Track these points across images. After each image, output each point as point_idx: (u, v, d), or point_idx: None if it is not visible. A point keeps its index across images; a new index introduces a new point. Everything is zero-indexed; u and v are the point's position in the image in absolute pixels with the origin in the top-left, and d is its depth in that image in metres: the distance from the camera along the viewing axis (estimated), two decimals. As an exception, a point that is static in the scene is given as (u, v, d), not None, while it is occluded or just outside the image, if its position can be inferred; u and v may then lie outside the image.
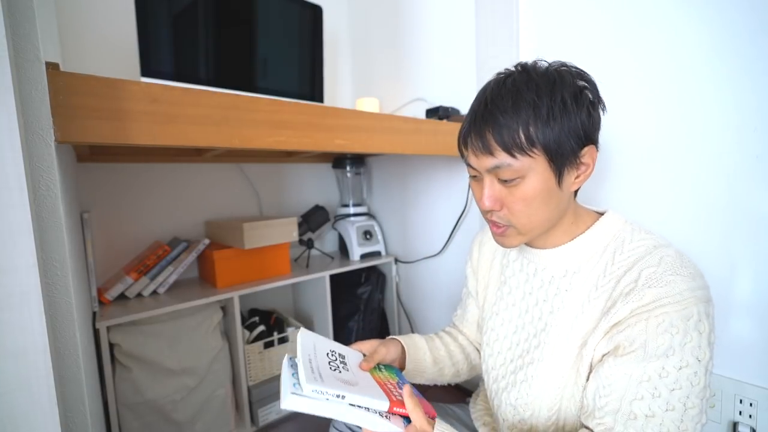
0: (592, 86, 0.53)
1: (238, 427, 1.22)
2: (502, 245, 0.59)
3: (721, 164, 0.78)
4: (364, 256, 1.56)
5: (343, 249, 1.61)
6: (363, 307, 1.51)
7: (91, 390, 0.66)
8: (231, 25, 1.06)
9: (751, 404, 0.76)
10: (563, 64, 0.53)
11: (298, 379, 0.48)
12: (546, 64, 0.53)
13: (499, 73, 0.55)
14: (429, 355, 0.72)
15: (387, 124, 0.94)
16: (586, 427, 0.51)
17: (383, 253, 1.62)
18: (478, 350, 0.78)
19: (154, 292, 1.16)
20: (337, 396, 0.46)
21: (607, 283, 0.53)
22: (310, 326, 1.50)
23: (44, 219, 0.52)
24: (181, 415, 1.09)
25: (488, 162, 0.52)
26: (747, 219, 0.76)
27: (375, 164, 1.73)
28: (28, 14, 0.49)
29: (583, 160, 0.52)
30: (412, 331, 1.63)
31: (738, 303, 0.78)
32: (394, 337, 0.71)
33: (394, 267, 1.62)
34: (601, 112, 0.54)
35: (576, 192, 0.57)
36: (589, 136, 0.51)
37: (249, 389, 1.23)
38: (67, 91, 0.54)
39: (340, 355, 0.57)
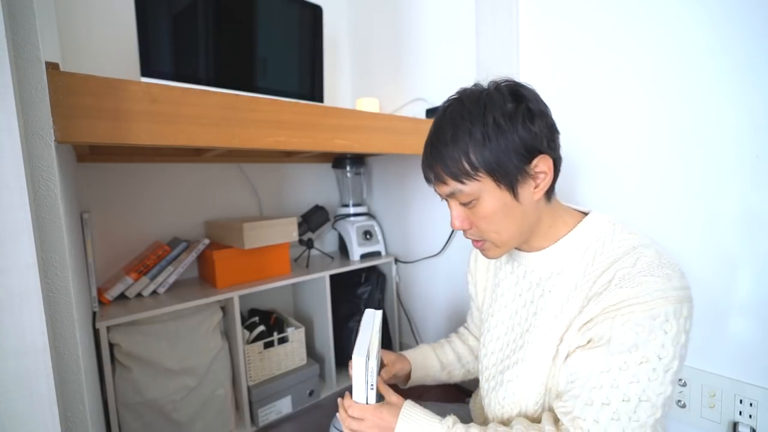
0: (531, 98, 0.54)
1: (238, 427, 1.22)
2: (488, 257, 0.62)
3: (721, 164, 0.78)
4: (364, 256, 1.56)
5: (343, 249, 1.61)
6: (363, 307, 1.51)
7: (91, 390, 0.66)
8: (231, 24, 1.06)
9: (751, 404, 0.76)
10: (496, 84, 0.56)
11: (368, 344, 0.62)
12: (480, 89, 0.56)
13: (444, 102, 0.58)
14: (437, 361, 0.81)
15: (387, 124, 0.94)
16: (549, 410, 0.56)
17: (383, 253, 1.62)
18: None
19: (154, 292, 1.16)
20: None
21: (585, 283, 0.55)
22: (309, 326, 1.50)
23: (44, 219, 0.52)
24: (181, 415, 1.09)
25: (444, 189, 0.56)
26: (747, 219, 0.76)
27: (375, 164, 1.73)
28: (28, 14, 0.49)
29: (536, 171, 0.54)
30: (413, 332, 1.63)
31: (738, 303, 0.78)
32: (405, 354, 0.79)
33: (394, 267, 1.62)
34: (547, 120, 0.55)
35: (550, 196, 0.59)
36: (533, 148, 0.53)
37: (249, 389, 1.23)
38: (66, 91, 0.54)
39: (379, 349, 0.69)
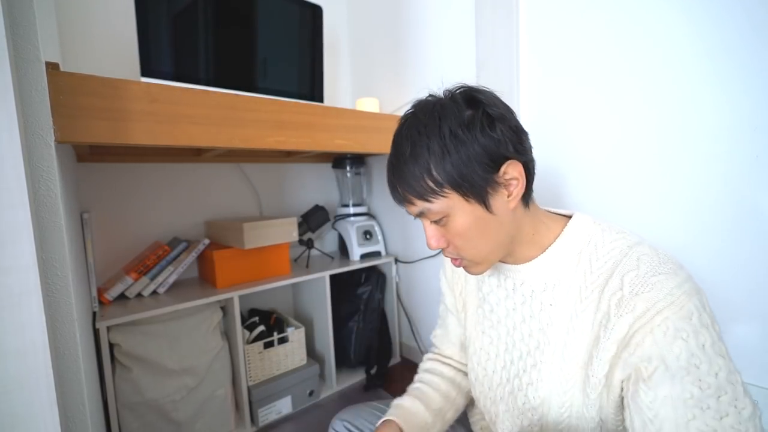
0: (489, 102, 0.50)
1: (238, 427, 1.22)
2: (470, 274, 0.58)
3: (720, 164, 0.78)
4: (364, 256, 1.56)
5: (343, 249, 1.61)
6: (363, 307, 1.51)
7: (91, 390, 0.66)
8: (231, 25, 1.06)
9: (751, 404, 0.76)
10: (450, 92, 0.53)
11: None
12: (434, 99, 0.53)
13: (401, 117, 0.55)
14: (429, 416, 0.69)
15: (387, 124, 0.94)
16: None
17: (383, 253, 1.62)
18: (465, 372, 0.74)
19: (154, 292, 1.16)
20: None
21: (590, 294, 0.51)
22: (309, 326, 1.50)
23: (44, 219, 0.52)
24: (181, 415, 1.09)
25: (413, 210, 0.53)
26: (747, 219, 0.76)
27: (375, 164, 1.73)
28: (28, 14, 0.49)
29: (507, 178, 0.50)
30: (412, 332, 1.63)
31: (738, 304, 0.78)
32: (391, 419, 0.65)
33: (394, 267, 1.62)
34: (510, 124, 0.51)
35: (527, 202, 0.55)
36: (499, 155, 0.49)
37: (249, 389, 1.23)
38: (66, 91, 0.54)
39: None
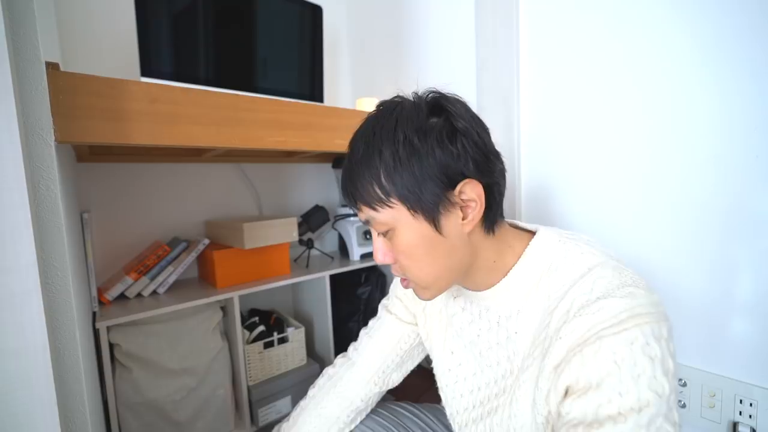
0: (456, 113, 0.46)
1: (238, 427, 1.22)
2: (419, 298, 0.53)
3: (720, 164, 0.78)
4: (364, 256, 1.56)
5: (343, 249, 1.61)
6: (363, 307, 1.51)
7: (91, 390, 0.66)
8: (231, 25, 1.06)
9: (751, 404, 0.76)
10: (417, 96, 0.49)
11: None
12: (396, 101, 0.48)
13: (367, 114, 0.51)
14: (322, 422, 0.69)
15: (387, 124, 0.94)
16: None
17: (383, 253, 1.62)
18: (377, 386, 0.70)
19: (154, 292, 1.16)
20: None
21: (546, 319, 0.47)
22: (309, 326, 1.50)
23: (44, 219, 0.52)
24: (181, 415, 1.09)
25: (361, 216, 0.49)
26: (747, 219, 0.76)
27: (375, 164, 1.72)
28: (28, 14, 0.49)
29: (463, 199, 0.45)
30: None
31: (738, 303, 0.78)
32: None
33: (394, 267, 1.62)
34: (471, 140, 0.45)
35: (491, 226, 0.49)
36: (456, 172, 0.44)
37: (249, 389, 1.23)
38: (67, 91, 0.54)
39: None
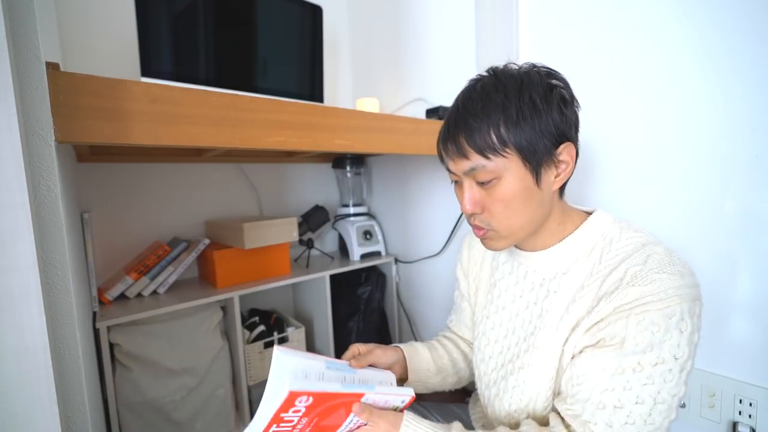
0: (564, 84, 0.54)
1: (238, 427, 1.22)
2: (488, 248, 0.59)
3: (720, 164, 0.78)
4: (364, 256, 1.56)
5: (343, 249, 1.61)
6: (363, 307, 1.51)
7: (91, 390, 0.66)
8: (231, 25, 1.06)
9: (751, 404, 0.76)
10: (533, 66, 0.54)
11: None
12: (516, 67, 0.54)
13: (471, 79, 0.56)
14: (432, 365, 0.73)
15: (387, 124, 0.94)
16: (556, 411, 0.53)
17: (383, 253, 1.62)
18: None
19: (154, 292, 1.16)
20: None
21: (593, 283, 0.53)
22: (310, 326, 1.50)
23: (44, 219, 0.52)
24: (181, 414, 1.09)
25: (464, 165, 0.53)
26: (747, 218, 0.76)
27: (375, 164, 1.73)
28: (28, 14, 0.49)
29: (560, 158, 0.52)
30: (413, 332, 1.63)
31: (738, 303, 0.78)
32: (396, 345, 0.72)
33: (394, 267, 1.62)
34: (576, 110, 0.54)
35: (562, 192, 0.57)
36: (563, 133, 0.51)
37: (249, 389, 1.23)
38: (67, 91, 0.54)
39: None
